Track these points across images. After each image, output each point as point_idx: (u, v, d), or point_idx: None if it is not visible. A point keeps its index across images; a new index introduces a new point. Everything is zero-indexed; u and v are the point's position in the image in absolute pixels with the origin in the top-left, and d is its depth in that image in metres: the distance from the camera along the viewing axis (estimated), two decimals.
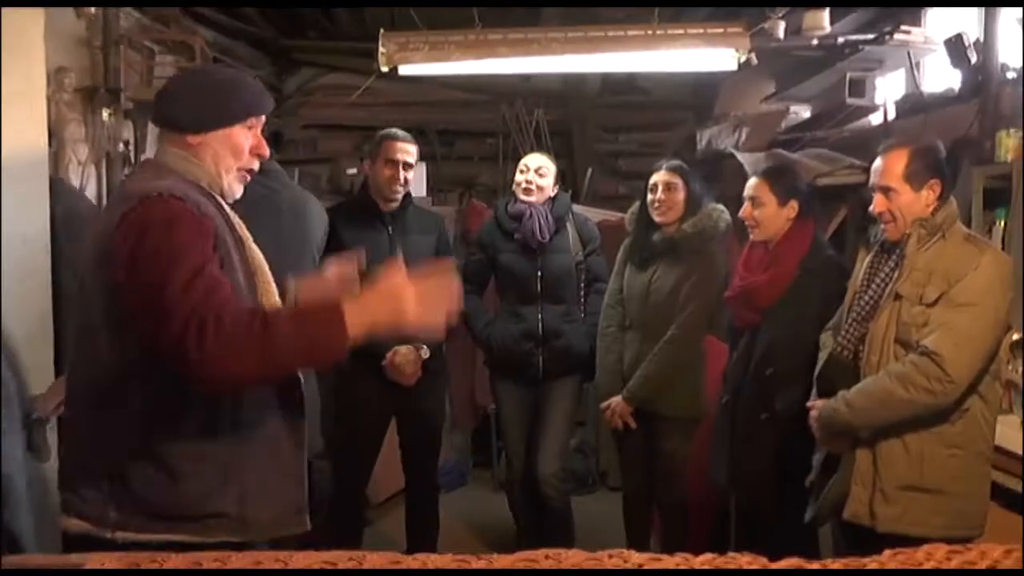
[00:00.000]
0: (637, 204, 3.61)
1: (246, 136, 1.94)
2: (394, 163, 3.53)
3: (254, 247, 1.96)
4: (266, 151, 1.99)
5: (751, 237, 3.20)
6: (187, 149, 1.89)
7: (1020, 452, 2.85)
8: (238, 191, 1.97)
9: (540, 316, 3.70)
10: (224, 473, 1.83)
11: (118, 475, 1.79)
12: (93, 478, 1.81)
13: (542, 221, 3.67)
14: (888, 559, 1.17)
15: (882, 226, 2.60)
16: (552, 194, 3.76)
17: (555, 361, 3.73)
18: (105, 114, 4.04)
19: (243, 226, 1.96)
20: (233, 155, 1.93)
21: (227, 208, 1.92)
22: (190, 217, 1.75)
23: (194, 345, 1.62)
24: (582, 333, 3.76)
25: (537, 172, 3.72)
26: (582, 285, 3.84)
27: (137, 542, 1.75)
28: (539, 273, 3.70)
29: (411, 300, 1.74)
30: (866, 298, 2.61)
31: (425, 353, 3.52)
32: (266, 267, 1.96)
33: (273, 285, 1.97)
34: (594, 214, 5.73)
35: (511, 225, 3.75)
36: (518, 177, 3.78)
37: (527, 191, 3.72)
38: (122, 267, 1.71)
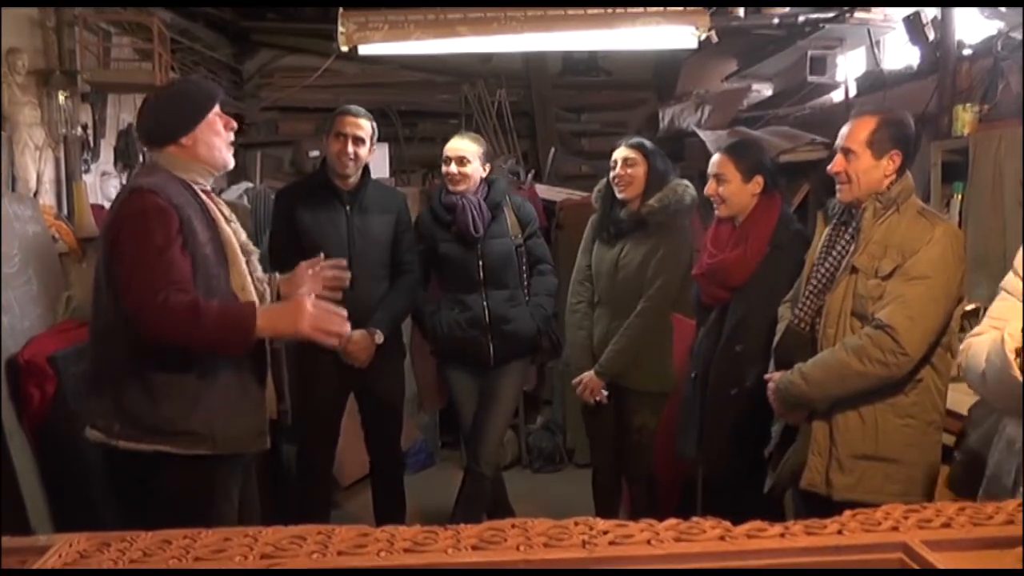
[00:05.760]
0: (603, 182, 3.62)
1: (218, 118, 2.47)
2: (343, 136, 3.49)
3: (226, 227, 2.45)
4: (235, 124, 2.54)
5: (717, 214, 3.20)
6: (184, 150, 2.42)
7: None
8: (231, 161, 2.53)
9: (485, 303, 3.70)
10: (194, 399, 2.36)
11: (119, 397, 2.34)
12: (104, 398, 2.37)
13: (475, 213, 3.65)
14: (848, 519, 1.20)
15: (837, 187, 2.62)
16: (484, 174, 3.74)
17: (505, 346, 3.73)
18: (61, 97, 3.96)
19: (219, 208, 2.48)
20: (218, 136, 2.47)
21: (202, 195, 2.43)
22: (158, 208, 2.26)
23: (143, 313, 2.21)
24: (528, 315, 3.76)
25: (458, 162, 3.68)
26: (524, 268, 3.83)
27: (135, 451, 2.32)
28: (479, 261, 3.69)
29: (307, 315, 2.32)
30: (823, 271, 2.63)
31: (379, 339, 3.49)
32: (236, 244, 2.46)
33: (241, 257, 2.46)
34: (557, 193, 5.75)
35: (446, 217, 3.72)
36: (443, 168, 3.75)
37: (453, 182, 3.69)
38: (109, 243, 2.29)
